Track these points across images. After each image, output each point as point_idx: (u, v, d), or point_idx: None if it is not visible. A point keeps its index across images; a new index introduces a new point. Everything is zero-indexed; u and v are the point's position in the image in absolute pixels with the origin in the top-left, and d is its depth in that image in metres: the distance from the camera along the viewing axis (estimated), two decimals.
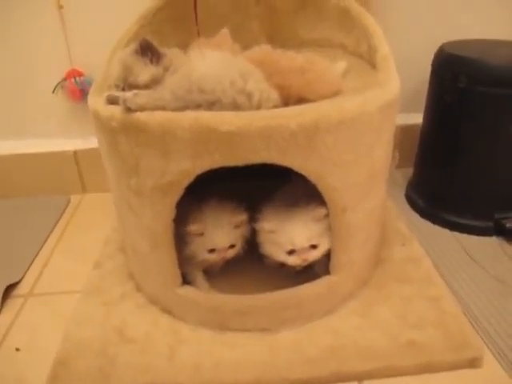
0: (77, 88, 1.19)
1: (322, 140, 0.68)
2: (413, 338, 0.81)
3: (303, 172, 0.70)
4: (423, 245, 1.03)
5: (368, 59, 0.92)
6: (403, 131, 1.28)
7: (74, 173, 1.31)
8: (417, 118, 1.21)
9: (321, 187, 0.73)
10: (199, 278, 0.89)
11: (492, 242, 1.07)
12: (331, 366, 0.77)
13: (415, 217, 1.17)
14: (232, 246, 0.84)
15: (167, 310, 0.87)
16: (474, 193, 1.08)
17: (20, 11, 1.16)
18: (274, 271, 0.89)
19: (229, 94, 0.70)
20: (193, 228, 0.80)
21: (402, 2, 1.21)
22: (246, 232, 0.85)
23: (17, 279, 1.02)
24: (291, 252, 0.81)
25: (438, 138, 1.11)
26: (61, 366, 0.79)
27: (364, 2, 0.99)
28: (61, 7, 1.15)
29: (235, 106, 0.70)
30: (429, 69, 1.11)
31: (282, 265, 0.85)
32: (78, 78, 1.19)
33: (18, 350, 0.86)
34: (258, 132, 0.65)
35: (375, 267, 0.95)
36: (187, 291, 0.84)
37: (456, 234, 1.10)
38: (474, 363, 0.78)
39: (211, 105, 0.69)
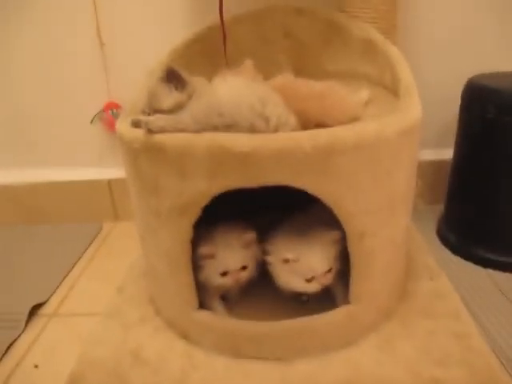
0: (113, 119, 1.25)
1: (338, 163, 0.68)
2: (436, 375, 0.76)
3: (318, 195, 0.70)
4: (453, 281, 0.98)
5: (392, 89, 0.92)
6: (434, 167, 1.26)
7: (108, 201, 1.36)
8: (447, 154, 1.18)
9: (337, 211, 0.72)
10: (216, 304, 0.88)
11: None
12: None
13: (446, 253, 1.13)
14: (244, 268, 0.83)
15: (183, 334, 0.86)
16: (508, 228, 1.04)
17: (65, 46, 1.25)
18: (291, 299, 0.87)
19: (247, 118, 0.71)
20: (204, 251, 0.80)
21: (429, 35, 1.22)
22: (257, 253, 0.85)
23: (43, 299, 1.05)
24: (311, 279, 0.80)
25: (469, 171, 1.09)
26: None
27: (389, 34, 1.00)
28: (103, 44, 1.23)
29: (253, 130, 0.71)
30: (458, 103, 1.10)
31: (299, 294, 0.84)
32: (114, 110, 1.25)
33: (36, 366, 0.88)
34: (272, 153, 0.66)
35: (399, 300, 0.91)
36: (203, 315, 0.83)
37: (489, 271, 1.05)
38: None
39: (228, 128, 0.71)
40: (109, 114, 1.25)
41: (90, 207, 1.36)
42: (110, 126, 1.26)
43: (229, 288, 0.86)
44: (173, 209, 0.74)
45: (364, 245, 0.76)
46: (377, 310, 0.86)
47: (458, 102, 1.09)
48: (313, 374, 0.78)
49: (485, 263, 1.06)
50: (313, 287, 0.80)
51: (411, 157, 0.79)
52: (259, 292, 0.90)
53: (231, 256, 0.83)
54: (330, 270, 0.80)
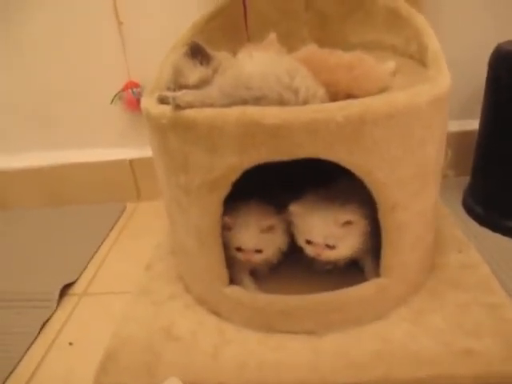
0: (134, 98, 1.24)
1: (370, 133, 0.66)
2: (469, 346, 0.76)
3: (350, 167, 0.69)
4: (482, 252, 0.97)
5: (418, 59, 0.90)
6: (459, 138, 1.24)
7: (130, 181, 1.37)
8: (473, 125, 1.16)
9: (369, 183, 0.71)
10: (246, 279, 0.88)
11: None
12: (378, 372, 0.74)
13: (473, 224, 1.11)
14: (258, 251, 0.83)
15: (214, 311, 0.87)
16: None
17: (83, 26, 1.24)
18: (323, 275, 0.87)
19: (275, 90, 0.70)
20: (225, 220, 0.79)
21: (454, 3, 1.18)
22: (279, 240, 0.85)
23: (73, 279, 1.07)
24: (308, 242, 0.81)
25: (496, 141, 1.07)
26: (109, 361, 0.80)
27: (415, 3, 0.97)
28: (120, 23, 1.22)
29: (281, 102, 0.70)
30: (485, 73, 1.07)
31: (325, 265, 0.85)
32: (135, 89, 1.25)
33: (71, 344, 0.89)
34: (303, 125, 0.65)
35: (429, 273, 0.91)
36: (234, 291, 0.83)
37: None
38: None
39: (257, 101, 0.70)
40: (129, 93, 1.24)
41: (112, 187, 1.37)
42: (131, 105, 1.25)
43: (252, 264, 0.87)
44: (203, 185, 0.74)
45: (395, 217, 0.75)
46: (407, 283, 0.85)
47: (485, 71, 1.07)
48: (344, 348, 0.78)
49: None
50: (309, 251, 0.82)
51: (442, 126, 0.77)
52: (289, 266, 0.90)
53: (245, 236, 0.83)
54: (331, 247, 0.80)
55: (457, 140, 1.23)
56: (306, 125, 0.65)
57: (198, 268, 0.87)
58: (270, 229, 0.83)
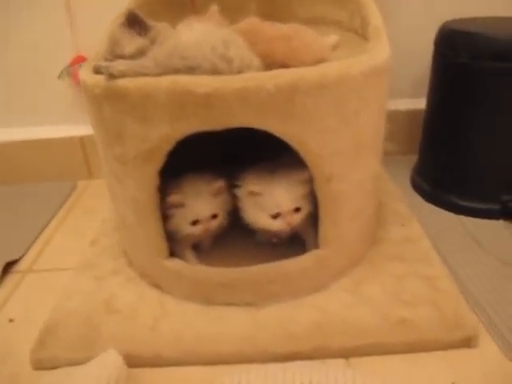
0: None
1: (302, 103, 0.67)
2: (404, 315, 0.78)
3: (283, 137, 0.69)
4: (425, 227, 1.00)
5: (362, 34, 0.90)
6: (409, 116, 1.26)
7: (81, 159, 1.34)
8: (422, 103, 1.17)
9: (303, 154, 0.71)
10: (188, 253, 0.88)
11: (498, 225, 1.03)
12: (316, 342, 0.75)
13: (420, 200, 1.13)
14: (214, 216, 0.83)
15: (156, 284, 0.87)
16: (480, 174, 1.05)
17: None
18: (264, 247, 0.88)
19: (209, 60, 0.69)
20: (172, 199, 0.79)
21: None
22: (227, 201, 0.85)
23: (17, 256, 1.04)
24: (276, 215, 0.80)
25: (441, 118, 1.08)
26: (48, 334, 0.80)
27: None
28: None
29: (215, 72, 0.69)
30: (431, 54, 1.09)
31: (271, 238, 0.85)
32: (83, 64, 1.21)
33: (11, 320, 0.87)
34: (234, 94, 0.65)
35: (370, 246, 0.93)
36: (174, 263, 0.83)
37: (461, 217, 1.06)
38: (468, 343, 0.75)
39: (191, 70, 0.69)
40: (77, 68, 1.21)
41: (63, 165, 1.34)
42: (79, 80, 1.22)
43: (199, 237, 0.87)
44: (138, 156, 0.73)
45: (331, 188, 0.76)
46: (346, 256, 0.87)
47: (432, 51, 1.08)
48: (283, 319, 0.79)
49: (456, 209, 1.07)
50: (278, 225, 0.80)
51: (379, 99, 0.78)
52: (231, 240, 0.90)
53: (201, 205, 0.82)
54: (297, 210, 0.80)
55: (406, 118, 1.25)
56: (237, 93, 0.65)
57: (138, 241, 0.86)
58: (220, 191, 0.83)
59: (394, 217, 1.02)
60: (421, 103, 1.19)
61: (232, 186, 0.83)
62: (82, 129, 1.29)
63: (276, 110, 0.66)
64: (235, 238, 0.89)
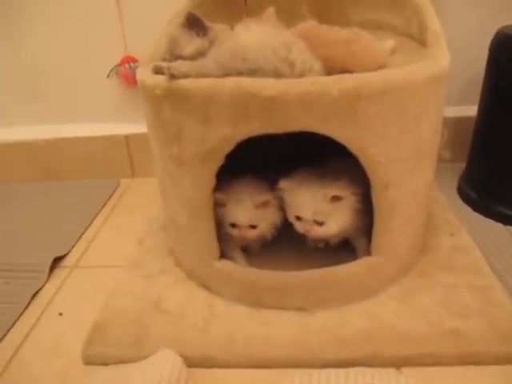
0: (130, 73, 1.22)
1: (364, 109, 0.66)
2: (456, 326, 0.76)
3: (344, 142, 0.68)
4: (474, 237, 0.98)
5: (419, 39, 0.89)
6: (457, 124, 1.23)
7: (125, 157, 1.35)
8: (472, 110, 1.14)
9: (362, 159, 0.71)
10: (237, 255, 0.89)
11: None
12: (366, 349, 0.74)
13: (467, 210, 1.11)
14: (253, 227, 0.83)
15: (204, 285, 0.87)
16: None
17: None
18: (315, 253, 0.88)
19: (271, 63, 0.69)
20: (217, 196, 0.79)
21: None
22: (273, 215, 0.85)
23: (64, 252, 1.06)
24: (298, 218, 0.81)
25: (492, 126, 1.06)
26: (97, 332, 0.81)
27: None
28: None
29: (277, 75, 0.69)
30: (485, 60, 1.06)
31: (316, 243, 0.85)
32: (131, 64, 1.23)
33: (60, 314, 0.89)
34: (298, 98, 0.64)
35: (420, 255, 0.91)
36: (224, 265, 0.83)
37: (510, 228, 1.03)
38: None
39: (253, 73, 0.69)
40: (126, 67, 1.22)
41: (107, 163, 1.36)
42: (127, 79, 1.24)
43: (242, 241, 0.87)
44: (196, 156, 0.73)
45: (388, 196, 0.75)
46: (397, 264, 0.86)
47: (485, 56, 1.05)
48: (332, 325, 0.79)
49: (505, 220, 1.05)
50: (299, 227, 0.82)
51: (438, 106, 0.77)
52: (281, 245, 0.90)
53: (239, 212, 0.83)
54: (319, 224, 0.79)
55: (455, 126, 1.23)
56: (300, 97, 0.64)
57: (189, 241, 0.86)
58: (265, 204, 0.83)
59: (443, 226, 1.00)
60: (470, 110, 1.17)
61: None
62: (128, 127, 1.31)
63: (339, 114, 0.66)
64: (286, 241, 0.88)
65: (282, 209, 0.85)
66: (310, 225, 0.80)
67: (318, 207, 0.78)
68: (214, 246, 0.83)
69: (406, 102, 0.69)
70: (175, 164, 0.77)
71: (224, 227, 0.84)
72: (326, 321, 0.79)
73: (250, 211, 0.83)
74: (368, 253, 0.82)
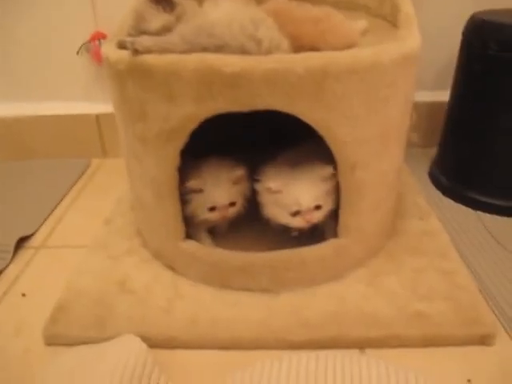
0: (101, 50, 1.19)
1: (331, 88, 0.65)
2: (421, 309, 0.77)
3: (310, 122, 0.68)
4: (443, 222, 0.99)
5: (391, 20, 0.88)
6: (430, 109, 1.24)
7: (96, 137, 1.32)
8: (445, 96, 1.14)
9: (329, 140, 0.70)
10: (203, 236, 0.88)
11: None
12: (331, 331, 0.74)
13: (438, 194, 1.12)
14: (232, 204, 0.83)
15: (170, 266, 0.86)
16: (500, 170, 1.03)
17: None
18: (280, 233, 0.87)
19: (238, 39, 0.68)
20: (192, 185, 0.79)
21: None
22: (246, 189, 0.84)
23: (30, 232, 1.04)
24: (296, 213, 0.78)
25: (464, 111, 1.06)
26: (60, 312, 0.79)
27: None
28: None
29: (243, 52, 0.67)
30: (457, 46, 1.06)
31: (289, 228, 0.83)
32: (102, 41, 1.19)
33: (23, 295, 0.87)
34: (263, 75, 0.63)
35: (388, 238, 0.91)
36: (189, 245, 0.83)
37: (479, 213, 1.04)
38: (485, 340, 0.74)
39: (219, 49, 0.67)
40: (96, 44, 1.19)
41: (78, 143, 1.32)
42: (98, 57, 1.20)
43: (216, 222, 0.86)
44: (159, 134, 0.72)
45: (355, 177, 0.74)
46: (365, 246, 0.86)
47: (458, 44, 1.05)
48: (298, 306, 0.78)
49: (475, 205, 1.05)
50: (298, 222, 0.79)
51: (407, 88, 0.76)
52: (247, 226, 0.89)
53: (220, 192, 0.82)
54: (318, 208, 0.78)
55: (428, 110, 1.23)
56: (265, 75, 0.63)
57: (154, 221, 0.85)
58: (240, 179, 0.83)
59: (412, 210, 1.01)
60: (442, 95, 1.17)
61: (253, 180, 0.82)
62: (99, 107, 1.28)
63: (304, 93, 0.65)
64: (251, 222, 0.87)
65: (249, 179, 0.84)
66: (310, 214, 0.78)
67: (318, 191, 0.77)
68: (179, 226, 0.81)
69: (373, 83, 0.68)
70: (139, 142, 0.76)
71: (198, 215, 0.83)
72: (292, 302, 0.79)
73: (229, 188, 0.82)
74: (336, 235, 0.82)
